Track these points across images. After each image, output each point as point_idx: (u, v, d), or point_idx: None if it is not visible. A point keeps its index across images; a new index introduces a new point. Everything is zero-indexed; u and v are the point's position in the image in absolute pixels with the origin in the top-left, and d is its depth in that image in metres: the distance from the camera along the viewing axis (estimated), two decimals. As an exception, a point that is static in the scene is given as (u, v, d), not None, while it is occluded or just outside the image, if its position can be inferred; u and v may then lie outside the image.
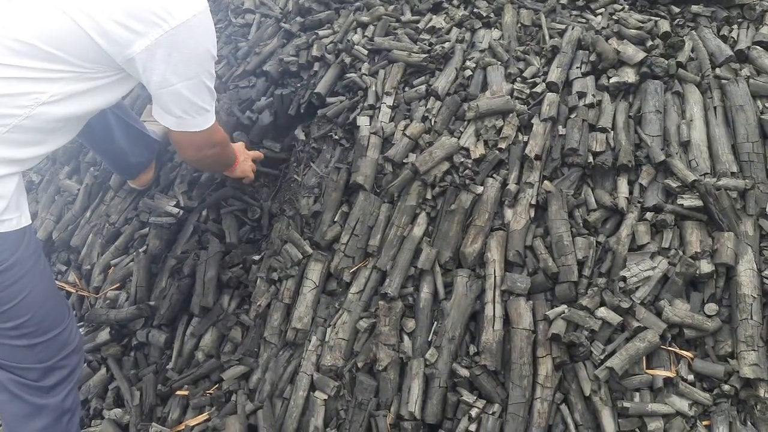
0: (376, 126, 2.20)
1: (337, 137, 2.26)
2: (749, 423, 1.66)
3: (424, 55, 2.32)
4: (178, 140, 1.75)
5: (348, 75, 2.38)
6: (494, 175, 2.05)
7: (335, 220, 2.13)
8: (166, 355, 2.14)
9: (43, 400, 1.62)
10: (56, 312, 1.62)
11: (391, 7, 2.67)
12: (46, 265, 1.61)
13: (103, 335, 2.18)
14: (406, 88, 2.31)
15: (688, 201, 1.89)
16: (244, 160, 2.24)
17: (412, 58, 2.33)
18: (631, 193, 1.98)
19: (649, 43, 2.24)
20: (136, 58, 1.44)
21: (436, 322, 1.92)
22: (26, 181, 2.81)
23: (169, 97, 1.54)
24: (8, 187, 1.45)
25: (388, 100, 2.26)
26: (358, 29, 2.56)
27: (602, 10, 2.51)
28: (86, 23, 1.38)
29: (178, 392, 2.03)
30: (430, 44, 2.41)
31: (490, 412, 1.76)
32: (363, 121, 2.23)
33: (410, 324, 1.92)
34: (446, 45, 2.35)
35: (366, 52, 2.45)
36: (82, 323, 2.28)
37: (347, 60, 2.44)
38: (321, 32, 2.56)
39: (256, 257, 2.14)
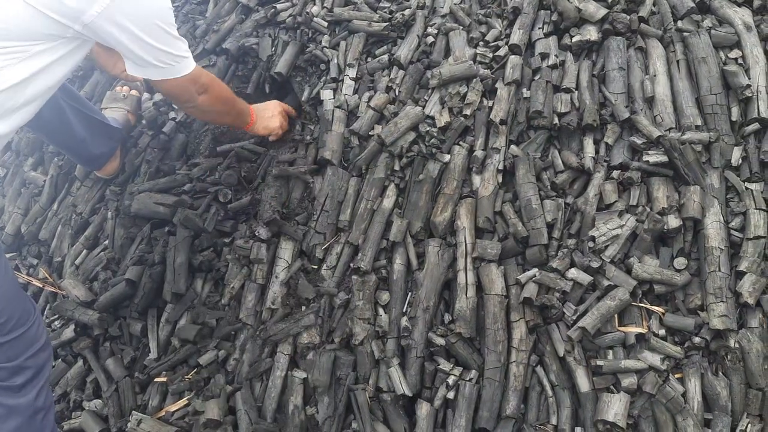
0: (340, 99, 2.17)
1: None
2: (720, 373, 1.68)
3: (385, 24, 2.28)
4: (167, 91, 1.78)
5: (309, 49, 2.33)
6: (461, 143, 2.03)
7: (304, 196, 2.11)
8: (142, 343, 2.13)
9: (14, 400, 1.60)
10: (21, 310, 1.60)
11: (350, -25, 2.62)
12: (6, 262, 1.58)
13: (68, 332, 2.16)
14: (369, 59, 2.28)
15: (654, 157, 1.89)
16: (272, 116, 2.18)
17: (373, 28, 2.28)
18: (597, 152, 1.97)
19: (611, -1, 2.21)
20: (94, 22, 1.42)
21: (410, 293, 1.92)
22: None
23: (141, 50, 1.55)
24: None
25: (351, 72, 2.22)
26: (317, 1, 2.51)
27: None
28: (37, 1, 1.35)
29: (156, 379, 2.03)
30: (391, 12, 2.36)
31: (467, 379, 1.77)
32: (327, 95, 2.20)
33: (384, 296, 1.92)
34: (406, 12, 2.30)
35: (326, 24, 2.40)
36: (54, 316, 2.25)
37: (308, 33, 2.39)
38: (279, 6, 2.50)
39: (227, 240, 2.12)
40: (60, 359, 2.18)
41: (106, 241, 2.34)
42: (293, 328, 1.92)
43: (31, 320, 1.63)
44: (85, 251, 2.37)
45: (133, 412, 1.95)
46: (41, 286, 2.39)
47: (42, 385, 1.68)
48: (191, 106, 1.85)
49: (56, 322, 2.26)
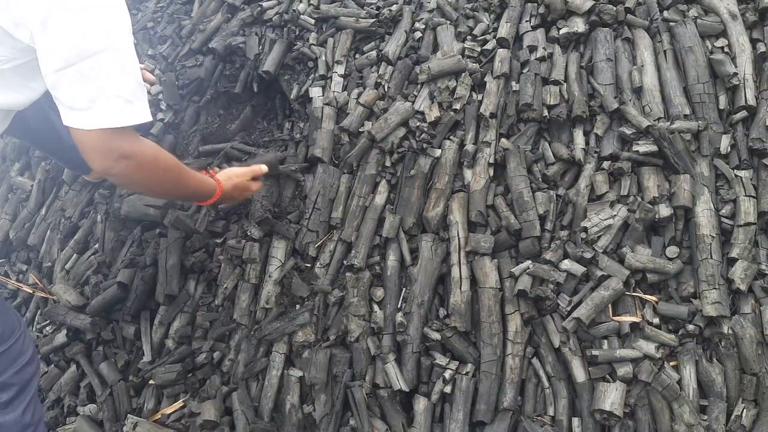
0: (329, 96, 2.17)
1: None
2: (714, 360, 1.69)
3: (372, 20, 2.28)
4: (80, 144, 1.29)
5: (296, 46, 2.32)
6: (451, 137, 2.03)
7: (296, 194, 2.10)
8: (135, 346, 2.11)
9: (1, 417, 1.56)
10: (5, 324, 1.55)
11: (336, -28, 2.61)
12: None
13: (60, 337, 2.14)
14: (357, 55, 2.27)
15: (644, 147, 1.89)
16: (244, 184, 1.85)
17: (360, 24, 2.28)
18: (587, 143, 1.98)
19: (597, -10, 2.22)
20: (33, 29, 1.17)
21: (404, 289, 1.91)
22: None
23: (74, 76, 1.19)
24: None
25: (339, 69, 2.22)
26: (303, -2, 2.50)
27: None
28: None
29: (151, 382, 2.01)
30: (378, 8, 2.36)
31: (464, 373, 1.77)
32: (315, 92, 2.19)
33: (379, 293, 1.92)
34: (394, 8, 2.30)
35: (313, 21, 2.39)
36: (45, 322, 2.23)
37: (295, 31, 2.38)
38: (265, 4, 2.49)
39: (218, 240, 2.11)
40: (52, 365, 2.16)
41: (96, 245, 2.32)
42: (288, 327, 1.91)
43: (16, 334, 1.58)
44: (75, 255, 2.35)
45: (129, 415, 1.94)
46: (31, 291, 2.37)
47: (29, 400, 1.63)
48: (107, 174, 1.35)
49: (48, 328, 2.24)
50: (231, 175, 1.80)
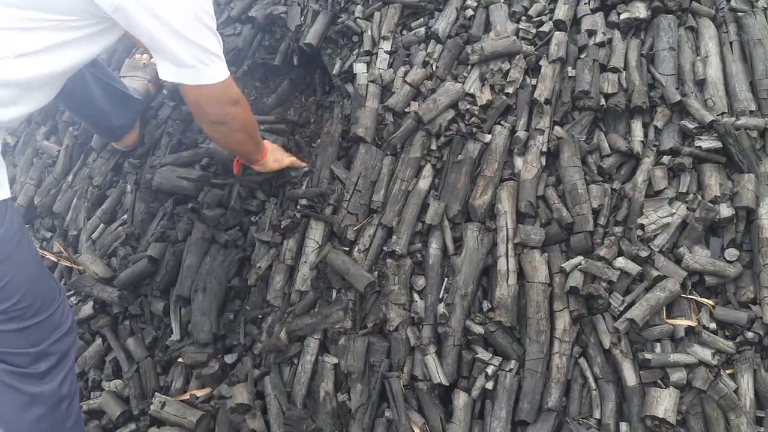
0: (374, 73, 2.07)
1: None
2: (774, 370, 1.62)
3: (422, -6, 2.17)
4: (196, 98, 1.53)
5: (340, 19, 2.22)
6: (502, 122, 1.94)
7: (335, 176, 2.02)
8: (163, 323, 2.05)
9: (38, 387, 1.51)
10: (47, 291, 1.50)
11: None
12: (30, 240, 1.49)
13: (86, 309, 2.08)
14: (404, 32, 2.17)
15: (706, 142, 1.80)
16: (283, 155, 2.02)
17: (409, -2, 2.17)
18: (645, 136, 1.89)
19: (660, -27, 2.11)
20: (126, 6, 1.28)
21: (446, 279, 1.84)
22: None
23: (176, 44, 1.37)
24: None
25: (386, 45, 2.12)
26: (350, -32, 2.39)
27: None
28: None
29: (179, 360, 1.95)
30: (428, -18, 2.25)
31: (507, 369, 1.70)
32: (360, 68, 2.10)
33: (420, 282, 1.84)
34: (444, -17, 2.19)
35: (359, -7, 2.29)
36: (70, 292, 2.17)
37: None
38: (309, -28, 2.39)
39: (253, 218, 2.03)
40: (77, 337, 2.10)
41: (125, 216, 2.25)
42: (321, 324, 1.83)
43: (57, 303, 1.53)
44: (102, 225, 2.29)
45: (156, 393, 1.88)
46: (56, 260, 2.30)
47: (67, 371, 1.58)
48: (219, 122, 1.60)
49: (73, 299, 2.18)
50: (271, 144, 1.99)
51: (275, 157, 1.97)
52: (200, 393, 1.85)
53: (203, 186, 2.07)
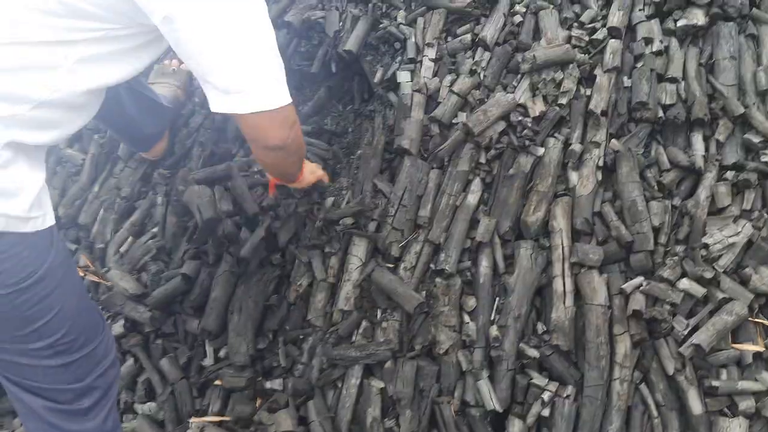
0: (418, 82, 1.98)
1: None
2: None
3: (468, 0, 2.07)
4: (256, 122, 1.31)
5: (382, 25, 2.12)
6: (556, 135, 1.85)
7: (378, 189, 1.93)
8: (197, 342, 1.97)
9: (81, 425, 1.41)
10: (91, 324, 1.40)
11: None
12: (76, 270, 1.40)
13: (117, 328, 2.00)
14: (449, 38, 2.08)
15: (773, 158, 1.72)
16: (316, 168, 1.89)
17: (455, 4, 2.07)
18: (707, 150, 1.80)
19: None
20: (175, 16, 1.15)
21: (498, 299, 1.76)
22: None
23: (240, 64, 1.22)
24: (36, 179, 1.23)
25: (430, 53, 2.02)
26: (391, -29, 2.29)
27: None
28: None
29: (216, 382, 1.87)
30: (472, -13, 2.16)
31: (564, 396, 1.63)
32: (404, 76, 2.01)
33: (470, 302, 1.76)
34: (490, -13, 2.10)
35: (401, -3, 2.19)
36: (102, 309, 2.09)
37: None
38: (347, -24, 2.29)
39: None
40: (120, 370, 2.02)
41: (155, 229, 2.17)
42: (364, 360, 1.74)
43: (101, 335, 1.44)
44: (130, 238, 2.20)
45: (193, 417, 1.80)
46: (82, 274, 2.21)
47: (110, 407, 1.48)
48: (279, 147, 1.38)
49: (102, 315, 2.10)
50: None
51: (310, 168, 1.84)
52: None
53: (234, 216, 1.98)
